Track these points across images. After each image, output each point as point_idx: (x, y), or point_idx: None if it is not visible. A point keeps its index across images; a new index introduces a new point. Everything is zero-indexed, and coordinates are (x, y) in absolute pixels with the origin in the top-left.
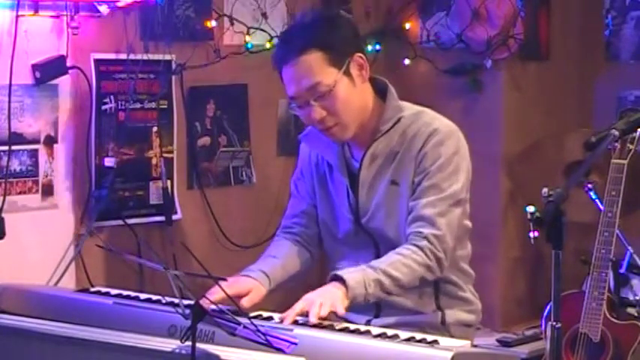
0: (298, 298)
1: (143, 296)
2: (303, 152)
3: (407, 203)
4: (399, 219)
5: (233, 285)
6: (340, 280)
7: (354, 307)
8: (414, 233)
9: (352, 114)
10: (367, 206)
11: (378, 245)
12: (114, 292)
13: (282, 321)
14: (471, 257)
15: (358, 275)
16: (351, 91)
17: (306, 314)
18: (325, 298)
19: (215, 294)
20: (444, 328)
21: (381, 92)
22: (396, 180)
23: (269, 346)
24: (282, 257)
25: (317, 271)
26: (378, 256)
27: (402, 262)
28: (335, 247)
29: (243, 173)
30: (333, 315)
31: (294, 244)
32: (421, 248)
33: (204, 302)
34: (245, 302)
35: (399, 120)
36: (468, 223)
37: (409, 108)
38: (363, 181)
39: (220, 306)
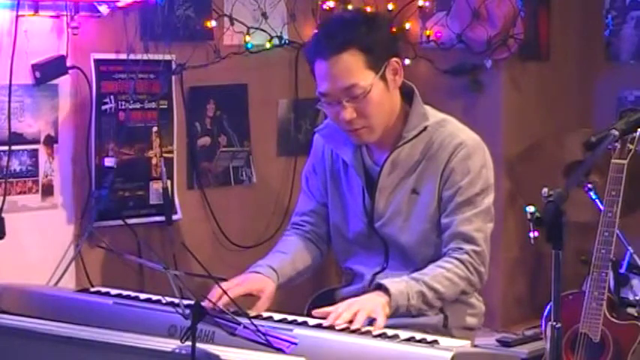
0: (300, 297)
1: (143, 296)
2: (317, 146)
3: (425, 212)
4: (414, 227)
5: (243, 283)
6: (384, 289)
7: None
8: (453, 249)
9: (381, 118)
10: (383, 212)
11: (388, 248)
12: (114, 292)
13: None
14: None
15: (401, 286)
16: (384, 96)
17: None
18: (366, 306)
19: (217, 295)
20: (445, 330)
21: (406, 96)
22: (417, 189)
23: (269, 346)
24: (291, 253)
25: (324, 268)
26: (386, 257)
27: (444, 276)
28: (344, 246)
29: (243, 173)
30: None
31: (303, 240)
32: (463, 262)
33: (207, 305)
34: (259, 305)
35: (424, 129)
36: None
37: (433, 115)
38: (382, 186)
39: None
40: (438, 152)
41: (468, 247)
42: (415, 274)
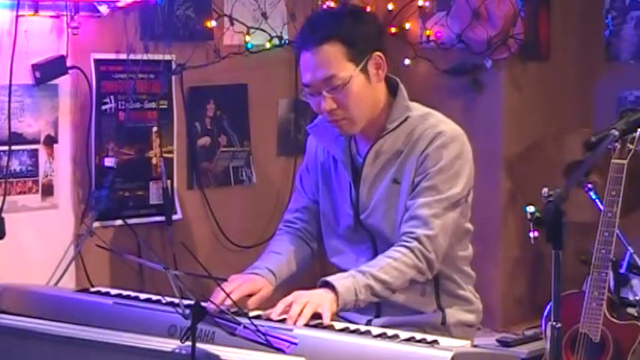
0: None
1: (143, 296)
2: (310, 145)
3: (406, 202)
4: (397, 217)
5: (246, 283)
6: (330, 286)
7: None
8: (406, 233)
9: (362, 110)
10: (367, 202)
11: (375, 242)
12: (114, 292)
13: (267, 318)
14: (471, 259)
15: (348, 282)
16: (364, 88)
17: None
18: (313, 299)
19: (220, 296)
20: (444, 328)
21: (392, 90)
22: (397, 179)
23: (269, 346)
24: (286, 253)
25: (317, 268)
26: (375, 251)
27: (392, 266)
28: (334, 242)
29: (243, 173)
30: (334, 314)
31: (295, 240)
32: (411, 250)
33: (208, 305)
34: (253, 301)
35: (406, 119)
36: (469, 225)
37: (417, 109)
38: (365, 177)
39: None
40: (418, 142)
41: (420, 231)
42: (363, 267)
